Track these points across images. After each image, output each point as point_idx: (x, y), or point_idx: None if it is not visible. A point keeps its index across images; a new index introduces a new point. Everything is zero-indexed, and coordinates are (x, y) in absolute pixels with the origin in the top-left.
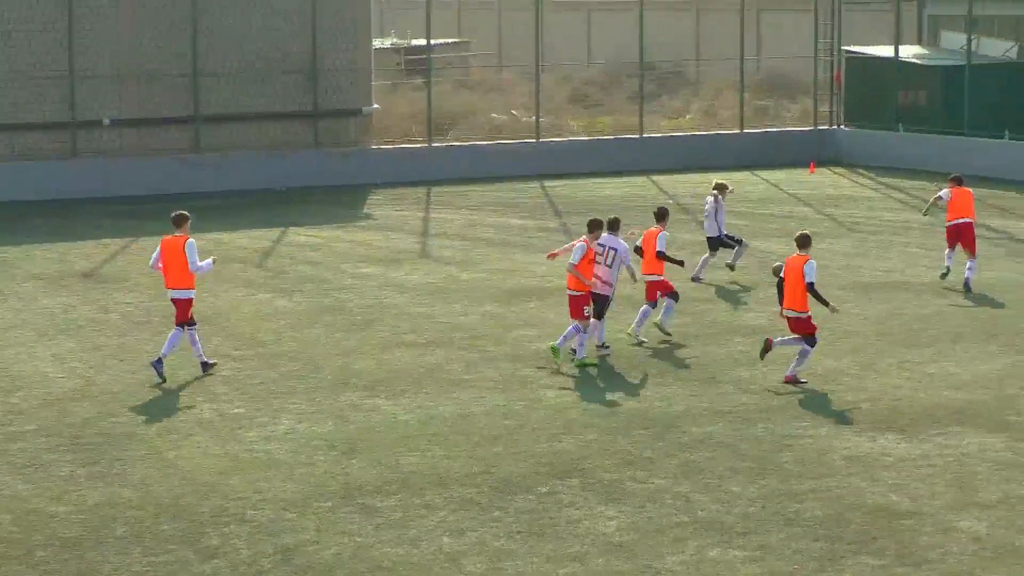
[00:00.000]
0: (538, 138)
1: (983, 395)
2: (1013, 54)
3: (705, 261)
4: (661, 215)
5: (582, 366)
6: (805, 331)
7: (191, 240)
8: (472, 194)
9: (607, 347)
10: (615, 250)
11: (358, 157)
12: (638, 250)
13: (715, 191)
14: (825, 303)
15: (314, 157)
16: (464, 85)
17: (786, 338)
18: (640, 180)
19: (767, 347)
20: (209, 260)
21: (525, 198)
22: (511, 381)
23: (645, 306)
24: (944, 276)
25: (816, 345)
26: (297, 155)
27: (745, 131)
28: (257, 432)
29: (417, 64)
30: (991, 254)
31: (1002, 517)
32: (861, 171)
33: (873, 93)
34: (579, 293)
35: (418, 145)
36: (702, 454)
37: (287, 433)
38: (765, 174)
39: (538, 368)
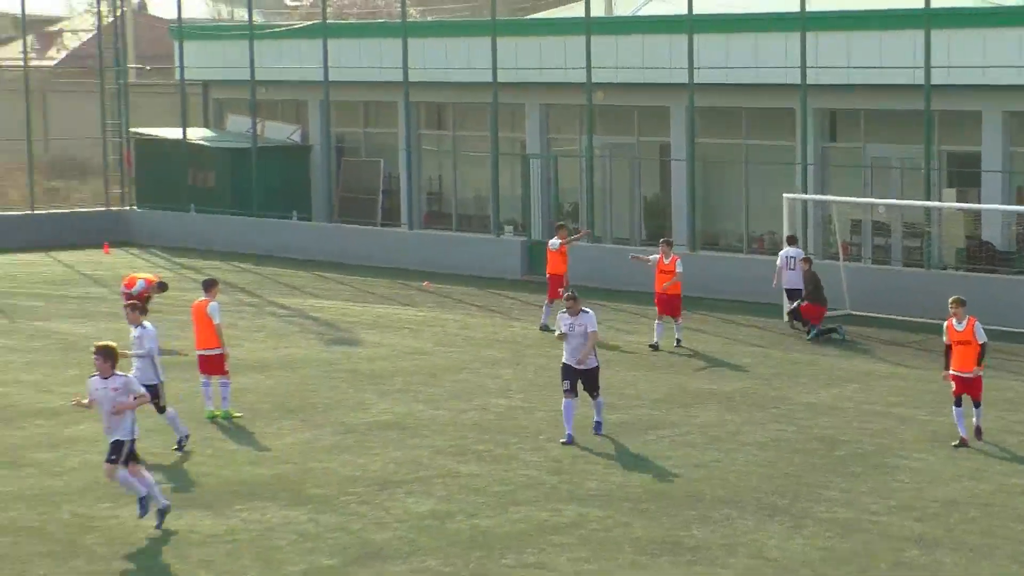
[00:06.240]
0: None
1: (284, 469)
2: (297, 138)
3: None
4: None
5: (229, 417)
6: None
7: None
8: None
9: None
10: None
11: None
12: None
13: None
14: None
15: None
16: None
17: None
18: None
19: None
20: None
21: None
22: None
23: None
24: (655, 348)
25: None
26: None
27: (36, 212)
28: None
29: None
30: (286, 331)
31: None
32: (155, 251)
33: (163, 174)
34: (218, 351)
35: None
36: (4, 540)
37: None
38: (59, 255)
39: None
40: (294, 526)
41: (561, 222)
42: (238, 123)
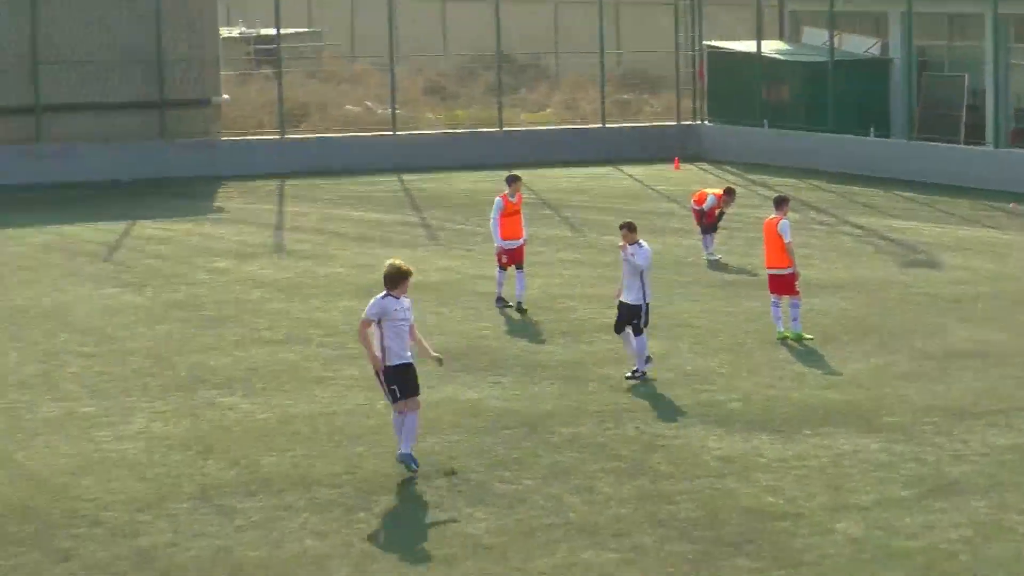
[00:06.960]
0: (395, 130)
1: (856, 395)
2: (876, 51)
3: None
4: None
5: (799, 339)
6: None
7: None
8: (327, 187)
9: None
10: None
11: (207, 148)
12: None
13: None
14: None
15: (161, 148)
16: (316, 76)
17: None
18: (501, 174)
19: None
20: None
21: (382, 191)
22: (372, 379)
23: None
24: None
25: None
26: (143, 146)
27: (607, 125)
28: (108, 431)
29: (267, 54)
30: (860, 252)
31: (878, 519)
32: (727, 167)
33: (736, 88)
34: (788, 271)
35: (270, 137)
36: (571, 454)
37: (140, 432)
38: (629, 169)
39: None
40: (865, 454)
41: None
42: (814, 36)
